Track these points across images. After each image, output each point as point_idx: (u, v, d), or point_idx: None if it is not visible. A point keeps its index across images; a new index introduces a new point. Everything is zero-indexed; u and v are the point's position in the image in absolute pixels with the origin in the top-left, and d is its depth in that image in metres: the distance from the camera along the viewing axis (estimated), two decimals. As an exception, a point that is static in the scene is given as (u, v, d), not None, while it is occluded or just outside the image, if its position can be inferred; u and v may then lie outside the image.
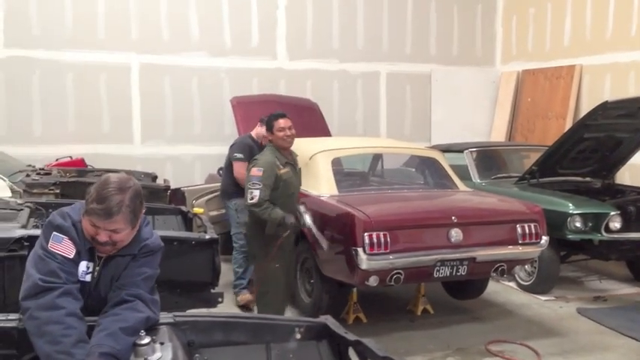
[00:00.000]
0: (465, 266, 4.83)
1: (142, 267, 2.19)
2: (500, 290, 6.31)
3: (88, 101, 8.56)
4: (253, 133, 5.96)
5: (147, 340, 1.80)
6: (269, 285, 4.61)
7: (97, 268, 2.17)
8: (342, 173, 6.20)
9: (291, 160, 4.68)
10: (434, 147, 7.69)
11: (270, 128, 4.61)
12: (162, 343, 1.83)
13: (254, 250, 4.74)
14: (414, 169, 7.00)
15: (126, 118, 8.76)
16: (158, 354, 1.78)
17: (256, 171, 4.43)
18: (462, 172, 6.67)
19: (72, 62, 8.44)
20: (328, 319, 2.19)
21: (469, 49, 10.58)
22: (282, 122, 4.59)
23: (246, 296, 5.74)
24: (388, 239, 4.54)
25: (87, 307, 2.08)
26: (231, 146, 5.94)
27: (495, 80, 10.57)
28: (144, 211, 2.22)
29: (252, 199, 4.40)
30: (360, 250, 4.48)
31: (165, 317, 2.01)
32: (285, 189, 4.55)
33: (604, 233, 5.79)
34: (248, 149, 5.75)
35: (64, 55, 8.41)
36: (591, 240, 5.89)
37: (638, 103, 6.05)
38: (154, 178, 7.08)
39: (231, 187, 5.83)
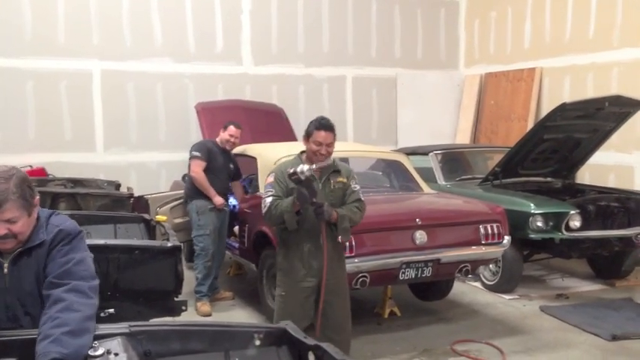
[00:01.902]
0: (430, 268, 4.88)
1: (68, 254, 2.14)
2: (466, 290, 6.38)
3: (48, 109, 8.41)
4: (217, 139, 5.93)
5: (101, 351, 1.77)
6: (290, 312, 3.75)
7: (7, 266, 2.13)
8: (308, 178, 6.19)
9: (321, 174, 3.80)
10: (400, 150, 7.75)
11: (307, 136, 3.81)
12: (116, 354, 1.79)
13: (277, 273, 4.00)
14: (380, 173, 7.04)
15: (88, 126, 8.63)
16: (112, 365, 1.76)
17: (269, 179, 3.86)
18: (428, 175, 6.73)
19: (31, 69, 8.29)
20: (288, 325, 2.18)
21: (433, 53, 10.71)
22: (321, 135, 3.75)
23: (205, 307, 5.69)
24: (353, 243, 4.55)
25: (8, 305, 2.08)
26: (192, 146, 5.94)
27: (459, 83, 10.71)
28: (37, 197, 2.18)
29: (265, 206, 3.74)
30: (324, 254, 4.47)
31: (120, 327, 1.97)
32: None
33: (565, 232, 5.90)
34: (206, 150, 5.75)
35: (23, 62, 8.25)
36: (553, 239, 5.99)
37: (596, 105, 6.20)
38: (118, 186, 6.99)
39: (192, 189, 5.81)
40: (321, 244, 3.72)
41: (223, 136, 5.86)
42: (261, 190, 3.94)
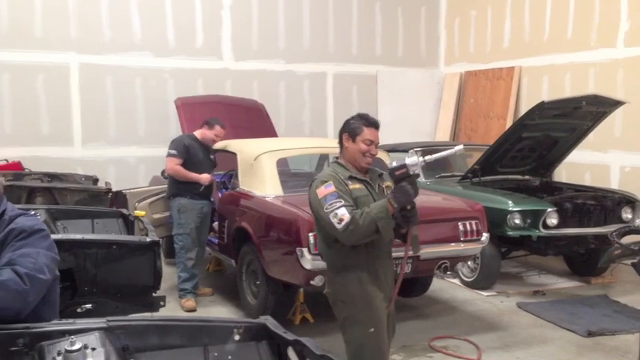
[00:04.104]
0: (410, 264, 4.89)
1: (19, 249, 2.10)
2: (445, 287, 6.43)
3: (25, 102, 8.28)
4: (198, 135, 5.87)
5: (78, 345, 1.74)
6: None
7: None
8: (288, 174, 6.19)
9: (362, 176, 3.25)
10: (380, 147, 7.76)
11: (353, 136, 3.21)
12: (94, 349, 1.77)
13: (348, 308, 3.20)
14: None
15: (65, 120, 8.52)
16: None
17: (324, 188, 3.09)
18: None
19: (7, 62, 8.16)
20: (268, 320, 2.18)
21: (414, 51, 10.75)
22: (372, 133, 3.22)
23: (190, 303, 5.66)
24: (333, 239, 4.54)
25: None
26: (170, 143, 5.89)
27: (439, 81, 10.77)
28: None
29: (341, 221, 2.99)
30: (304, 250, 4.47)
31: (97, 322, 1.95)
32: None
33: (542, 229, 5.97)
34: (183, 147, 5.69)
35: (-1, 55, 8.12)
36: (530, 236, 6.06)
37: (573, 104, 6.27)
38: (95, 180, 6.92)
39: (174, 187, 5.77)
40: (389, 258, 3.27)
41: (208, 134, 5.80)
42: (316, 205, 3.11)
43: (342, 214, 2.99)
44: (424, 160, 3.06)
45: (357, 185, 3.17)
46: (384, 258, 3.23)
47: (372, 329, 3.11)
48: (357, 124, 3.22)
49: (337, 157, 3.33)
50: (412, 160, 3.00)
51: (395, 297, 3.29)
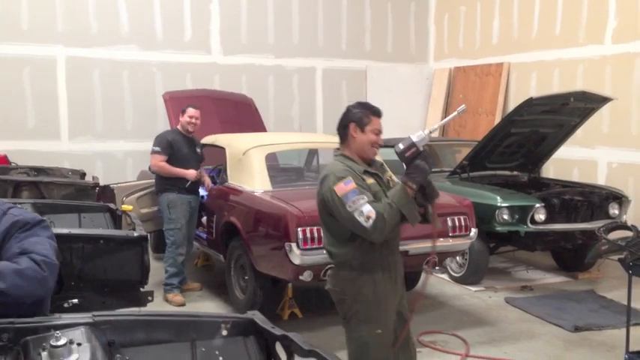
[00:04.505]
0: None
1: (27, 238, 2.09)
2: (433, 282, 6.44)
3: (10, 96, 8.20)
4: (179, 126, 5.85)
5: (63, 341, 1.72)
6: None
7: None
8: (277, 169, 6.19)
9: (373, 170, 3.10)
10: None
11: (361, 126, 3.02)
12: (79, 344, 1.75)
13: (357, 306, 3.02)
14: (349, 165, 7.03)
15: (52, 114, 8.45)
16: (75, 355, 1.70)
17: (344, 185, 2.86)
18: (396, 167, 6.73)
19: (-7, 54, 8.07)
20: (255, 315, 2.16)
21: (403, 46, 10.75)
22: (379, 122, 3.06)
23: (178, 297, 5.64)
24: (322, 234, 4.54)
25: None
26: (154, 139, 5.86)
27: (429, 77, 10.78)
28: None
29: (369, 218, 2.80)
30: (293, 245, 4.47)
31: (83, 317, 1.92)
32: None
33: (530, 225, 6.00)
34: (166, 142, 5.66)
35: (-16, 48, 8.03)
36: (518, 231, 6.09)
37: (562, 100, 6.30)
38: (82, 175, 6.85)
39: (161, 182, 5.73)
40: (399, 253, 3.13)
41: (183, 120, 5.77)
42: (337, 202, 2.87)
43: (368, 211, 2.80)
44: (430, 132, 2.92)
45: (372, 180, 3.01)
46: (395, 253, 3.12)
47: (380, 330, 2.99)
48: (364, 112, 3.04)
49: (339, 150, 3.09)
50: (419, 135, 2.88)
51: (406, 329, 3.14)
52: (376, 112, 3.06)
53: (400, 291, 3.13)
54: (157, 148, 5.65)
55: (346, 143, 3.06)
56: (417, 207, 2.93)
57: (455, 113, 3.12)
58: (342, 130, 3.06)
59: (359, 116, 3.02)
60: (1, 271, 1.90)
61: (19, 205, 2.47)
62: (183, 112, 5.81)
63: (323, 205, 3.01)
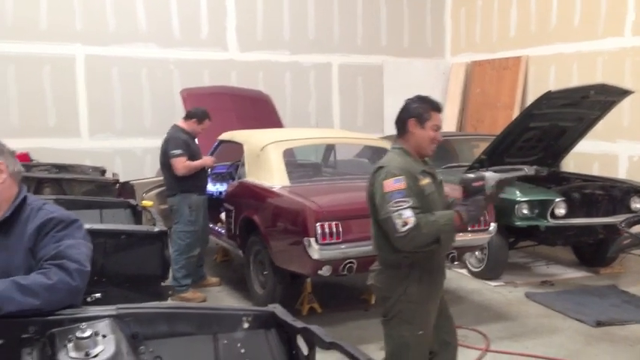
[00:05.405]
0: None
1: (62, 240, 2.11)
2: (452, 277, 6.41)
3: (31, 94, 8.30)
4: (186, 127, 5.77)
5: (88, 332, 1.74)
6: None
7: None
8: (294, 164, 6.19)
9: (428, 169, 3.02)
10: (386, 137, 7.75)
11: (421, 122, 2.94)
12: (104, 336, 1.77)
13: (400, 306, 2.96)
14: (366, 160, 7.04)
15: (72, 112, 8.54)
16: (100, 346, 1.72)
17: (393, 183, 2.80)
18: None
19: (13, 53, 8.17)
20: (276, 308, 2.17)
21: (419, 41, 10.70)
22: (440, 118, 3.00)
23: (198, 294, 5.66)
24: (340, 229, 4.55)
25: None
26: (167, 141, 5.68)
27: (445, 71, 10.72)
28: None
29: (405, 224, 2.73)
30: (312, 240, 4.48)
31: (107, 309, 1.95)
32: (427, 210, 2.86)
33: (550, 219, 5.95)
34: (182, 143, 5.60)
35: (5, 47, 8.14)
36: (538, 226, 6.03)
37: (581, 93, 6.22)
38: (103, 172, 6.95)
39: (182, 184, 5.62)
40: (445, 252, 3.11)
41: (196, 128, 5.76)
42: (381, 197, 2.82)
43: (407, 216, 2.72)
44: (503, 177, 2.90)
45: (427, 180, 2.92)
46: (443, 255, 3.10)
47: (421, 332, 2.96)
48: (424, 107, 2.96)
49: (398, 143, 3.01)
50: (492, 176, 2.85)
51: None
52: (436, 107, 2.99)
53: (441, 292, 3.11)
54: (178, 151, 5.56)
55: (404, 138, 2.99)
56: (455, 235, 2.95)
57: (524, 172, 3.13)
58: (401, 125, 3.00)
59: (419, 112, 2.95)
60: (33, 289, 1.92)
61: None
62: (201, 121, 5.74)
63: (371, 197, 2.96)
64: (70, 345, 1.75)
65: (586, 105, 6.40)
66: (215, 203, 6.33)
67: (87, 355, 1.72)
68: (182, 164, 5.56)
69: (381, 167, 2.90)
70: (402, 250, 2.84)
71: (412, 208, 2.75)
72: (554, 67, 8.79)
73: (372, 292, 5.53)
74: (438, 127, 2.96)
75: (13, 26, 8.16)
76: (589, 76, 8.02)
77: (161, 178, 6.46)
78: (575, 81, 8.25)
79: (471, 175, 2.88)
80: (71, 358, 1.72)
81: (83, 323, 1.80)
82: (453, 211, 2.85)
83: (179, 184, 5.65)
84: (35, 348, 1.86)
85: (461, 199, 2.92)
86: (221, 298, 5.81)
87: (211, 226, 6.21)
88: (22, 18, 8.19)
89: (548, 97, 6.04)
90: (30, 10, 8.22)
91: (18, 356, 1.85)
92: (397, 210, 2.74)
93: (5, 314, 1.87)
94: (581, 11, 8.36)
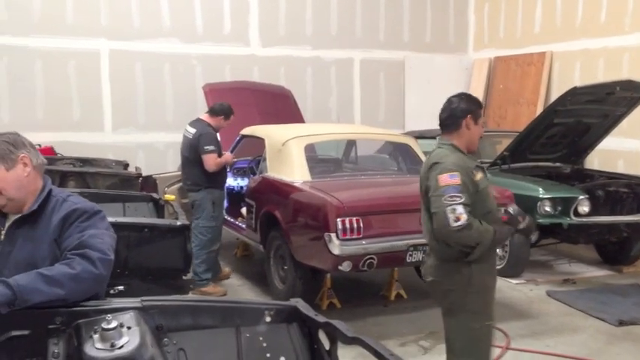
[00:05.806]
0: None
1: (86, 230, 2.15)
2: (473, 274, 6.38)
3: (56, 88, 8.41)
4: (212, 122, 5.75)
5: (114, 324, 1.78)
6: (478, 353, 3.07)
7: (3, 232, 2.18)
8: (316, 159, 6.20)
9: (479, 163, 3.12)
10: (407, 133, 7.72)
11: (476, 118, 3.02)
12: (129, 328, 1.81)
13: (467, 298, 2.99)
14: (387, 156, 7.03)
15: (96, 106, 8.64)
16: (125, 338, 1.76)
17: (449, 178, 2.86)
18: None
19: (40, 48, 8.28)
20: (298, 302, 2.19)
21: (442, 37, 10.62)
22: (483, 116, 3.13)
23: (218, 288, 5.69)
24: (361, 225, 4.56)
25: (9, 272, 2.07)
26: (199, 136, 5.61)
27: (468, 67, 10.63)
28: (23, 155, 2.19)
29: (457, 220, 2.79)
30: (333, 235, 4.49)
31: (132, 302, 1.98)
32: (482, 205, 2.95)
33: (573, 217, 5.88)
34: (216, 140, 5.64)
35: (32, 41, 8.24)
36: (561, 224, 5.97)
37: (606, 89, 6.14)
38: (126, 165, 7.01)
39: (208, 179, 5.62)
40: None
41: (223, 124, 5.78)
42: (436, 190, 2.88)
43: (460, 212, 2.79)
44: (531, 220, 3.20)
45: (481, 174, 2.99)
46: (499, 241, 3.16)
47: (490, 322, 3.03)
48: (477, 104, 3.07)
49: (446, 139, 3.05)
50: (529, 219, 3.16)
51: None
52: (481, 105, 3.14)
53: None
54: (212, 147, 5.54)
55: (456, 134, 3.03)
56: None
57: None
58: (455, 121, 3.02)
59: (474, 108, 3.03)
60: (58, 280, 1.96)
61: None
62: (227, 117, 5.77)
63: (425, 190, 3.02)
64: (96, 336, 1.79)
65: (611, 101, 6.32)
66: (236, 198, 6.37)
67: (112, 346, 1.75)
68: (214, 160, 5.56)
69: (436, 163, 2.94)
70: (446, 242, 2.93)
71: (465, 205, 2.80)
72: (579, 63, 8.67)
73: (391, 289, 5.56)
74: (485, 124, 3.00)
75: (40, 21, 8.27)
76: (615, 72, 7.90)
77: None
78: (600, 77, 8.12)
79: (511, 211, 3.10)
80: (97, 349, 1.76)
81: (109, 315, 1.83)
82: (510, 229, 3.05)
83: (206, 180, 5.64)
84: (61, 338, 1.90)
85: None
86: (241, 292, 5.85)
87: (232, 220, 6.25)
88: (48, 13, 8.30)
89: (573, 94, 5.98)
90: (56, 5, 8.33)
91: (45, 346, 1.89)
92: (451, 204, 2.80)
93: (32, 305, 1.91)
94: (608, 6, 8.22)
